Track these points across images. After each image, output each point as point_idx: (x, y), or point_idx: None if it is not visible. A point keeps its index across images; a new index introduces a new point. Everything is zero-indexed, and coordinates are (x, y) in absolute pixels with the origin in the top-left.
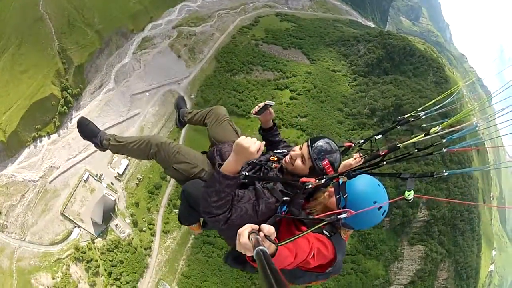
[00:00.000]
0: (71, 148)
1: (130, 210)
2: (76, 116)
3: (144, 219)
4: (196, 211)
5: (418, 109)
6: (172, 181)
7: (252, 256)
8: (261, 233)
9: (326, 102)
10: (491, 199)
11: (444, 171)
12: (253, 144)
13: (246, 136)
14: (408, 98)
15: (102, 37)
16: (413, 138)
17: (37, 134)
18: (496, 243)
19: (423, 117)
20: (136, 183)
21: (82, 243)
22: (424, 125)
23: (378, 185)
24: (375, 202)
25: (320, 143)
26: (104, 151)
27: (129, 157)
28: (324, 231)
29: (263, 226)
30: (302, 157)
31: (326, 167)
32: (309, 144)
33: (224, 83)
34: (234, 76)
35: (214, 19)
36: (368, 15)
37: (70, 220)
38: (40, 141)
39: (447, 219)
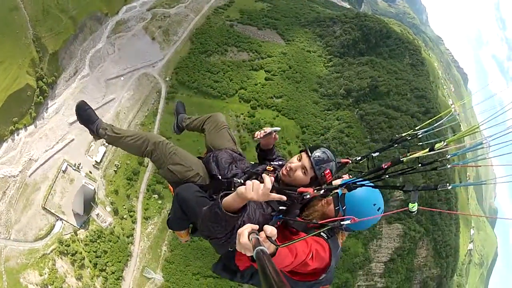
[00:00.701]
0: (48, 139)
1: (110, 198)
2: (51, 105)
3: (124, 207)
4: (188, 216)
5: (416, 128)
6: (150, 166)
7: (252, 256)
8: (262, 234)
9: (302, 82)
10: (467, 179)
11: (448, 184)
12: (257, 195)
13: (250, 181)
14: (384, 79)
15: (76, 22)
16: (418, 153)
17: (14, 127)
18: (474, 222)
19: (420, 135)
20: (114, 170)
21: (66, 235)
22: (421, 143)
23: (373, 189)
24: (374, 205)
25: (318, 153)
26: (98, 139)
27: (108, 145)
28: (322, 233)
29: (266, 227)
30: (303, 167)
31: (327, 176)
32: (309, 154)
33: (198, 65)
34: (208, 58)
35: (189, 0)
36: None
37: (51, 213)
38: (18, 134)
39: (424, 198)
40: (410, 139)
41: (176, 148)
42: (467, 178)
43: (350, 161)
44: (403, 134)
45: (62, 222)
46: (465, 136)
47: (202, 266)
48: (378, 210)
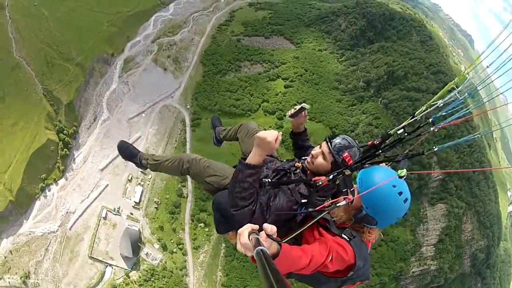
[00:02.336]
0: (82, 189)
1: (156, 235)
2: (78, 155)
3: (172, 241)
4: (228, 220)
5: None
6: (191, 196)
7: (253, 256)
8: (263, 233)
9: (320, 83)
10: (495, 141)
11: (434, 147)
12: (270, 135)
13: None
14: (398, 63)
15: (84, 68)
16: (403, 123)
17: (44, 183)
18: (509, 182)
19: (441, 104)
20: (155, 207)
21: (118, 280)
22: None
23: (390, 171)
24: (394, 186)
25: (338, 140)
26: (144, 169)
27: (145, 184)
28: (343, 235)
29: (266, 225)
30: (323, 154)
31: (347, 159)
32: (328, 140)
33: (216, 86)
34: (224, 77)
35: (190, 24)
36: None
37: (99, 261)
38: (49, 190)
39: (461, 173)
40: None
41: (210, 162)
42: (494, 141)
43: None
44: (424, 108)
45: (112, 268)
46: (445, 93)
47: (259, 284)
48: (400, 194)
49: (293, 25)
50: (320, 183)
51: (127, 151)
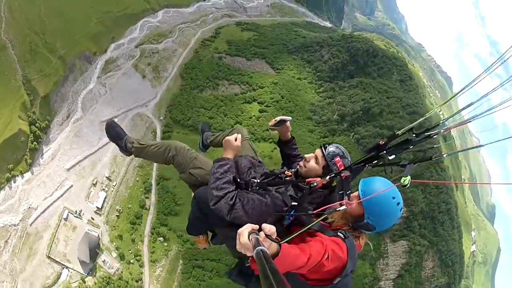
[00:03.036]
0: (47, 186)
1: (114, 243)
2: (46, 151)
3: (130, 251)
4: (207, 218)
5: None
6: (153, 209)
7: (253, 257)
8: (262, 233)
9: (295, 112)
10: (462, 177)
11: (442, 153)
12: (232, 137)
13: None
14: (375, 100)
15: (65, 63)
16: (412, 124)
17: (10, 174)
18: (474, 223)
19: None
20: (116, 215)
21: (73, 283)
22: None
23: (387, 183)
24: (393, 198)
25: (332, 148)
26: (128, 154)
27: (108, 190)
28: (338, 233)
29: (264, 225)
30: (316, 158)
31: (338, 164)
32: (322, 146)
33: (191, 101)
34: (201, 93)
35: (176, 34)
36: (324, 15)
37: (57, 262)
38: (14, 182)
39: (426, 212)
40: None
41: (197, 154)
42: (462, 181)
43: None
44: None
45: (69, 270)
46: (453, 99)
47: None
48: (398, 204)
49: (276, 50)
50: (315, 184)
51: (114, 132)
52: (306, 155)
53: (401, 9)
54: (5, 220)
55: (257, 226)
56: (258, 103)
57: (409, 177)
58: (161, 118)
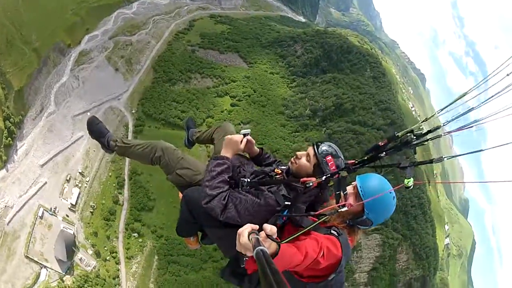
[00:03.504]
0: (21, 183)
1: (90, 240)
2: (20, 147)
3: (105, 248)
4: (196, 219)
5: (413, 127)
6: (126, 204)
7: (252, 257)
8: (263, 233)
9: (267, 106)
10: (435, 177)
11: (442, 156)
12: (238, 137)
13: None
14: (348, 96)
15: (39, 55)
16: (412, 127)
17: None
18: (447, 217)
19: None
20: (90, 212)
21: (52, 283)
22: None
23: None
24: (390, 192)
25: (325, 147)
26: (110, 152)
27: (82, 186)
28: (332, 231)
29: (265, 225)
30: (308, 155)
31: (329, 163)
32: (315, 143)
33: (163, 95)
34: (173, 86)
35: (150, 26)
36: (298, 10)
37: (35, 261)
38: None
39: (398, 206)
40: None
41: (184, 154)
42: (434, 176)
43: (356, 161)
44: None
45: (47, 270)
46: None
47: None
48: (393, 198)
49: (249, 44)
50: (311, 184)
51: (96, 129)
52: (297, 153)
53: (376, 6)
54: None
55: (257, 226)
56: (230, 97)
57: (412, 179)
58: (133, 111)
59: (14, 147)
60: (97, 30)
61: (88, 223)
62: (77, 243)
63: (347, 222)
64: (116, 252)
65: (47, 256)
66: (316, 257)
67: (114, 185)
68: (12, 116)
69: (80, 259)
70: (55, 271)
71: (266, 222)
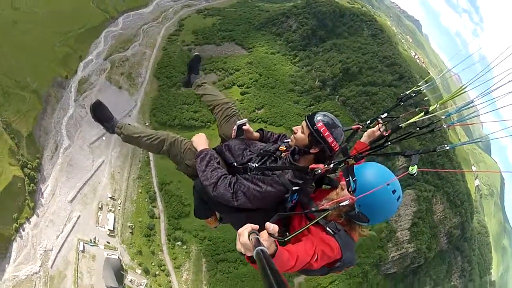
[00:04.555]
0: (55, 224)
1: (136, 260)
2: (45, 189)
3: (153, 264)
4: (209, 205)
5: (419, 84)
6: (163, 216)
7: (251, 257)
8: (265, 232)
9: (276, 87)
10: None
11: (445, 145)
12: (196, 137)
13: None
14: (352, 59)
15: (40, 95)
16: (414, 117)
17: (17, 224)
18: (472, 158)
19: (424, 90)
20: (130, 232)
21: None
22: (426, 98)
23: (387, 169)
24: (388, 185)
25: (319, 117)
26: (112, 133)
27: (115, 210)
28: (327, 228)
29: (268, 224)
30: (302, 127)
31: (321, 129)
32: (307, 115)
33: (172, 100)
34: (179, 89)
35: (141, 36)
36: None
37: None
38: (23, 230)
39: (424, 158)
40: (414, 95)
41: (191, 144)
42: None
43: (361, 126)
44: (407, 92)
45: None
46: (456, 96)
47: None
48: (393, 192)
49: (243, 29)
50: (319, 171)
51: (101, 113)
52: (294, 128)
53: None
54: (26, 270)
55: (257, 226)
56: (238, 86)
57: (416, 166)
58: (147, 124)
59: (39, 191)
60: (90, 55)
61: (130, 244)
62: (124, 266)
63: (342, 215)
64: (164, 265)
65: (98, 287)
66: (310, 261)
67: (146, 200)
68: (29, 162)
69: (131, 281)
70: None
71: (276, 206)
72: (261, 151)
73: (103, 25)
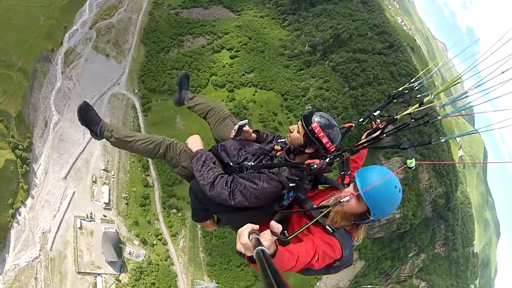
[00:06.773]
0: (50, 203)
1: (133, 232)
2: (38, 169)
3: (150, 234)
4: (206, 207)
5: (411, 81)
6: (156, 184)
7: (251, 257)
8: (267, 231)
9: (266, 50)
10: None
11: (440, 137)
12: (191, 139)
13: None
14: (343, 25)
15: (26, 72)
16: (409, 109)
17: (13, 209)
18: (456, 128)
19: (417, 87)
20: (125, 203)
21: (111, 287)
22: (419, 95)
23: (385, 168)
24: (395, 187)
25: (316, 118)
26: (99, 139)
27: (110, 182)
28: (327, 227)
29: (273, 223)
30: (298, 127)
31: (316, 130)
32: (302, 115)
33: (161, 66)
34: (168, 54)
35: (126, 2)
36: None
37: (88, 273)
38: (19, 214)
39: (412, 127)
40: (407, 92)
41: (186, 146)
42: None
43: (354, 124)
44: (400, 89)
45: (102, 276)
46: (451, 86)
47: (241, 258)
48: (399, 191)
49: None
50: (315, 166)
51: (87, 116)
52: (290, 127)
53: None
54: (26, 257)
55: (257, 226)
56: (227, 49)
57: (413, 159)
58: (136, 91)
59: (32, 171)
60: (75, 25)
61: (127, 215)
62: (122, 239)
63: (354, 222)
64: (161, 234)
65: (98, 263)
66: (310, 261)
67: (139, 169)
68: (19, 143)
69: (129, 253)
70: (110, 274)
71: (273, 203)
72: (257, 150)
73: None
